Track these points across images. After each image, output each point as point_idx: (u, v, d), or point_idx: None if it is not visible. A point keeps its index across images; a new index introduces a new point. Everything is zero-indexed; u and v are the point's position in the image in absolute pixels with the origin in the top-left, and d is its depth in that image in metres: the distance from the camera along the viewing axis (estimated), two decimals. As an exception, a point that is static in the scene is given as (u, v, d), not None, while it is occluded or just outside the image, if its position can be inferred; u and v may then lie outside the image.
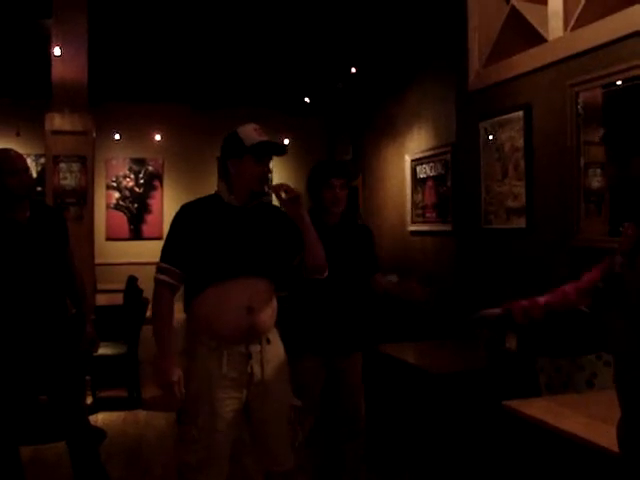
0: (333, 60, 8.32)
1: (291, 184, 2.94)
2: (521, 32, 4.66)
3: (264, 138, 2.91)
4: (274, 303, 3.00)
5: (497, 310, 2.60)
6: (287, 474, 3.01)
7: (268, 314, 2.94)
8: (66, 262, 3.68)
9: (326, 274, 3.12)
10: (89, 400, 6.02)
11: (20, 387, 3.45)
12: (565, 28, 4.22)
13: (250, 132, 2.91)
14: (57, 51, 6.74)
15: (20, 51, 7.82)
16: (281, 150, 3.06)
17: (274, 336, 3.02)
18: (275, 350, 3.01)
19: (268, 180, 3.08)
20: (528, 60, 4.55)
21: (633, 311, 1.91)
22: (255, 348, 2.89)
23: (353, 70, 7.98)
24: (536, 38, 4.49)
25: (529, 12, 4.59)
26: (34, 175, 10.01)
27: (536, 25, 4.50)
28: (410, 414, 4.39)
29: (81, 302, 3.81)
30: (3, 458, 3.47)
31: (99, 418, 5.79)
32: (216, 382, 2.82)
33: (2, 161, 3.42)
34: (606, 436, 2.23)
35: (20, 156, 3.52)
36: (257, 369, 2.89)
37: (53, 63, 6.95)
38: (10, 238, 3.40)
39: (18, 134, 9.61)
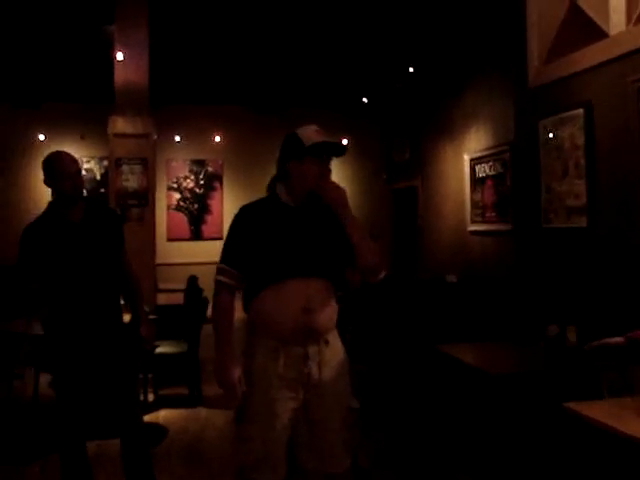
0: (390, 61, 8.31)
1: (348, 186, 2.86)
2: (582, 27, 4.58)
3: (323, 139, 2.87)
4: (333, 304, 2.96)
5: (619, 339, 2.38)
6: (341, 476, 2.98)
7: (327, 315, 2.91)
8: (120, 263, 3.73)
9: (381, 277, 2.99)
10: (151, 397, 6.13)
11: (81, 385, 3.53)
12: (627, 23, 4.13)
13: (310, 133, 2.88)
14: (119, 56, 6.91)
15: (84, 57, 8.04)
16: (340, 150, 2.97)
17: (334, 337, 2.99)
18: (334, 351, 2.98)
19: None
20: (589, 56, 4.46)
21: None
22: (313, 349, 2.88)
23: (411, 70, 7.95)
24: (597, 33, 4.40)
25: (590, 7, 4.50)
26: (97, 177, 10.31)
27: (597, 20, 4.41)
28: (469, 414, 4.35)
29: (136, 303, 3.83)
30: (73, 454, 3.58)
31: (160, 415, 5.89)
32: (274, 382, 2.83)
33: (55, 164, 3.48)
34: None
35: (73, 159, 3.55)
36: (315, 370, 2.88)
37: (116, 68, 7.14)
38: (64, 238, 3.47)
39: (82, 137, 9.88)
